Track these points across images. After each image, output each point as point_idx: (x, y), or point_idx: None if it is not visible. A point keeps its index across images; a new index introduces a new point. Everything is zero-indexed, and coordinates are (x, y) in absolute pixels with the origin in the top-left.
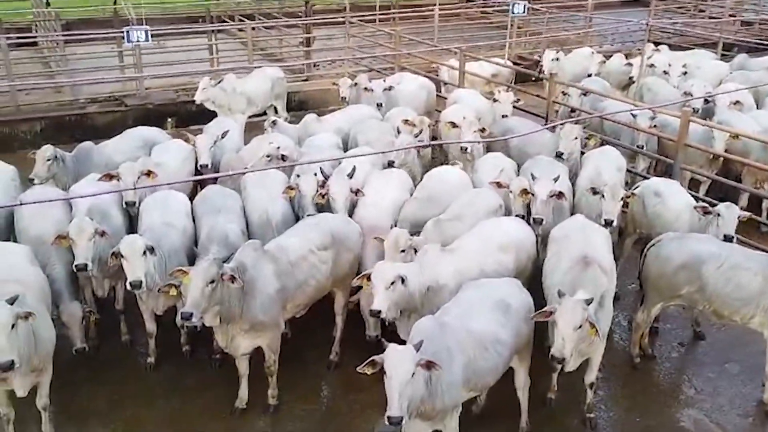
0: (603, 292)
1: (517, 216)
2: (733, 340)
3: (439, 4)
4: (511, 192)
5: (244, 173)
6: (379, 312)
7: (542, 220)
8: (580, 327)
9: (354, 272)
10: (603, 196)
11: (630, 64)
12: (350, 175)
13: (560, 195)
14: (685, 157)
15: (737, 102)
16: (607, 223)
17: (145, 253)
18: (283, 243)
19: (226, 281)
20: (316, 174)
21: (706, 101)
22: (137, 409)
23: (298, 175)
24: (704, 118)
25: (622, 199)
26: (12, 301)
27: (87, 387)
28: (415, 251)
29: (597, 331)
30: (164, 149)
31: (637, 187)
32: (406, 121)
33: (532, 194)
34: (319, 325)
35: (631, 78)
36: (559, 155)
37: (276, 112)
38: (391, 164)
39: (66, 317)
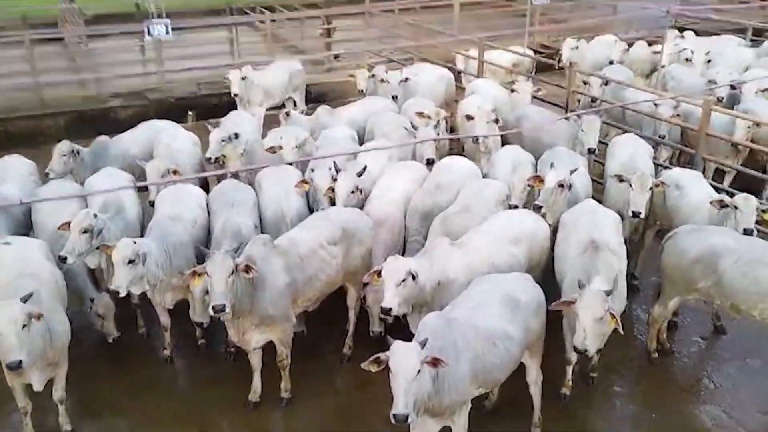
0: (615, 274)
1: (514, 206)
2: (754, 334)
3: None
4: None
5: (256, 168)
6: (390, 309)
7: (541, 207)
8: (602, 318)
9: (366, 266)
10: (630, 185)
11: (657, 52)
12: (359, 174)
13: (569, 186)
14: (709, 146)
15: (766, 90)
16: (635, 215)
17: (132, 261)
18: (293, 237)
19: (240, 272)
20: (330, 168)
21: (732, 88)
22: (154, 401)
23: (312, 169)
24: (731, 107)
25: (650, 188)
26: (26, 299)
27: (104, 379)
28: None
29: (617, 321)
30: (173, 136)
31: (658, 178)
32: (420, 114)
33: (541, 181)
34: (333, 319)
35: (663, 66)
36: (591, 152)
37: (295, 104)
38: (430, 162)
39: (102, 309)
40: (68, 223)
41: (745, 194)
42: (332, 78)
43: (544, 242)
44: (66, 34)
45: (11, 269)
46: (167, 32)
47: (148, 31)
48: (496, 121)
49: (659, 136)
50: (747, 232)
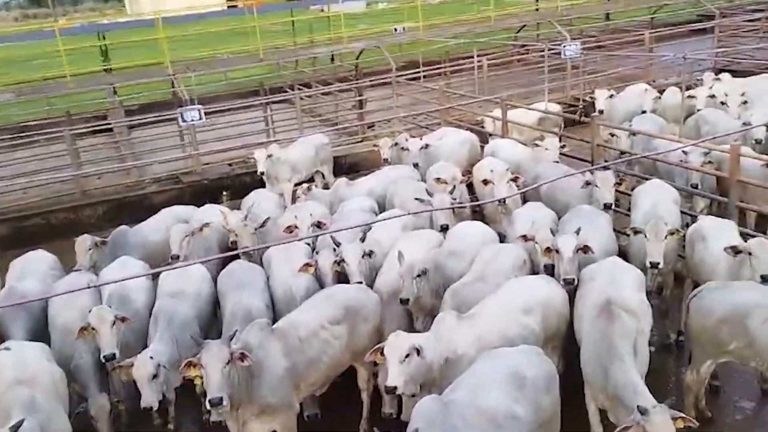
0: (635, 338)
1: (546, 267)
2: None
3: (489, 54)
4: (536, 244)
5: (267, 247)
6: (395, 388)
7: (573, 280)
8: None
9: (374, 344)
10: (645, 235)
11: (692, 97)
12: (362, 239)
13: (586, 249)
14: (748, 193)
15: None
16: (653, 266)
17: (155, 376)
18: (292, 319)
19: (236, 360)
20: (335, 249)
21: None
22: None
23: (317, 252)
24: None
25: (667, 236)
26: (16, 428)
27: None
28: (418, 353)
29: (688, 419)
30: (206, 216)
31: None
32: (438, 180)
33: (557, 251)
34: (350, 401)
35: (699, 110)
36: (608, 207)
37: (324, 177)
38: (444, 229)
39: (94, 411)
40: (85, 329)
41: (760, 239)
42: (364, 148)
43: (562, 309)
44: (108, 124)
45: (8, 376)
46: (200, 117)
47: (182, 117)
48: (515, 179)
49: (691, 185)
50: (765, 279)
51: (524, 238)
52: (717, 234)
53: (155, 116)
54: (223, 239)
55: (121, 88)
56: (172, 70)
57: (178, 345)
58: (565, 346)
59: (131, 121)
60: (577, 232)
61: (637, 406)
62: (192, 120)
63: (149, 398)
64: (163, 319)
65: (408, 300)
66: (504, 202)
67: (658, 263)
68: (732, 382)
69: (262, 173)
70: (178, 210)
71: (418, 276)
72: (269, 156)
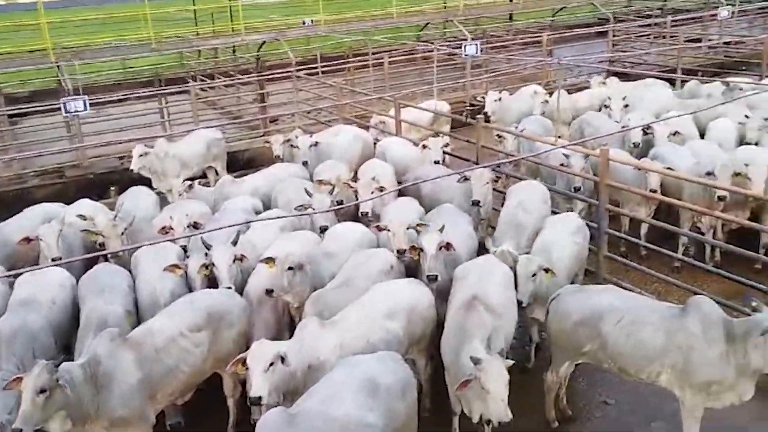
0: (490, 333)
1: (399, 252)
2: (663, 395)
3: (393, 50)
4: (389, 232)
5: (136, 248)
6: (260, 398)
7: (437, 276)
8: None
9: (241, 350)
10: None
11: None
12: (234, 242)
13: (448, 246)
14: (621, 196)
15: (676, 132)
16: (519, 305)
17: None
18: (149, 327)
19: (53, 390)
20: (207, 253)
21: (645, 133)
22: None
23: (188, 256)
24: (645, 152)
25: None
26: None
27: None
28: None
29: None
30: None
31: None
32: (320, 182)
33: (421, 249)
34: (214, 409)
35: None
36: (475, 203)
37: (216, 173)
38: (323, 230)
39: None
40: None
41: (527, 257)
42: (262, 143)
43: (426, 312)
44: None
45: None
46: (85, 107)
47: (65, 107)
48: (381, 189)
49: (574, 188)
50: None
51: (378, 228)
52: (552, 225)
53: (38, 106)
54: (87, 239)
55: (1, 75)
56: (54, 57)
57: (24, 364)
58: (432, 350)
59: (12, 110)
60: (441, 229)
61: (470, 357)
62: (76, 110)
63: None
64: (6, 337)
65: (272, 291)
66: (366, 214)
67: (522, 303)
68: (595, 380)
69: (129, 170)
70: (46, 207)
71: (291, 269)
72: (144, 153)
